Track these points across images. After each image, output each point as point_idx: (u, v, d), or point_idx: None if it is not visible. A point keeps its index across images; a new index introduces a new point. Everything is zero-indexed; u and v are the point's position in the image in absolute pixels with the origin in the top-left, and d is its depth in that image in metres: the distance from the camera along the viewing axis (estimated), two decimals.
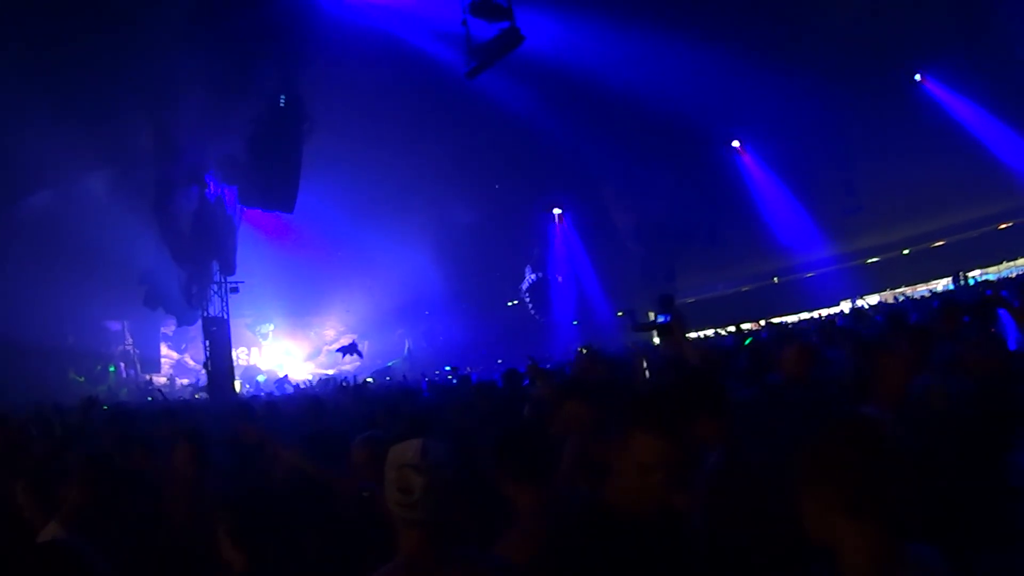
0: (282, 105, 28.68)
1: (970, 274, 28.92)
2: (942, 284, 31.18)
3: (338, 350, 38.16)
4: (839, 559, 2.93)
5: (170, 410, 14.33)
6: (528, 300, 43.46)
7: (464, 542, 4.04)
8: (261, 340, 46.99)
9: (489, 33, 22.39)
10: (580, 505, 3.87)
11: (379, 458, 3.98)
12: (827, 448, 2.99)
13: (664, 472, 3.60)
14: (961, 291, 23.70)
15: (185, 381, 41.09)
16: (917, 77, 33.25)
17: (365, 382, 23.30)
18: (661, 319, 13.60)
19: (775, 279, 39.08)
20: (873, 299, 31.88)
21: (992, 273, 28.64)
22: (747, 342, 10.95)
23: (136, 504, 6.53)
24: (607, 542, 3.55)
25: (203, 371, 32.44)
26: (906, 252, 36.77)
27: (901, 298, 30.71)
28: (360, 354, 39.84)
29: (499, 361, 28.65)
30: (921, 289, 32.32)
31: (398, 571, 3.71)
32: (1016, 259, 30.74)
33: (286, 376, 19.86)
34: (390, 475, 3.74)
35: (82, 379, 35.21)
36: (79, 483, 5.73)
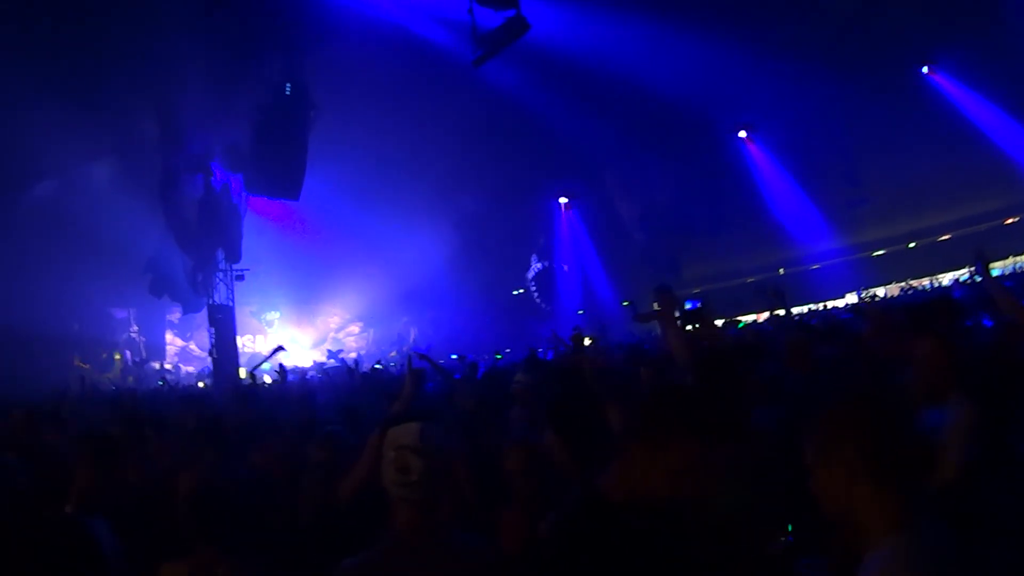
0: (288, 93, 28.66)
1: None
2: (947, 278, 31.12)
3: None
4: (856, 528, 2.96)
5: (190, 396, 14.43)
6: (534, 289, 43.50)
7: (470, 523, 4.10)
8: (267, 328, 46.98)
9: (495, 21, 22.30)
10: (581, 498, 3.75)
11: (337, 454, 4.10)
12: (846, 414, 3.05)
13: (695, 479, 3.51)
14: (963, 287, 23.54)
15: (191, 368, 41.13)
16: (925, 69, 33.17)
17: (374, 368, 23.31)
18: (689, 305, 13.54)
19: (781, 270, 39.01)
20: (880, 291, 31.77)
21: (998, 268, 28.49)
22: (740, 326, 10.94)
23: (145, 482, 6.55)
24: (608, 538, 3.45)
25: (208, 359, 32.46)
26: (912, 245, 36.71)
27: (910, 290, 30.70)
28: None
29: (507, 350, 28.62)
30: (926, 282, 32.25)
31: (392, 545, 3.85)
32: (1022, 254, 30.62)
33: (281, 364, 19.83)
34: (388, 455, 3.90)
35: (87, 367, 35.16)
36: (83, 464, 5.74)
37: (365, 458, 5.68)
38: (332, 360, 36.24)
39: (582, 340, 11.08)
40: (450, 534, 3.98)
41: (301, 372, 23.12)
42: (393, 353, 39.95)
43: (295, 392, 14.11)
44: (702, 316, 9.14)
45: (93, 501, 5.55)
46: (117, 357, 39.81)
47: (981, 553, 3.68)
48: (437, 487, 3.86)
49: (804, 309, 29.71)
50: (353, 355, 37.02)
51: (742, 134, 37.91)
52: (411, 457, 3.82)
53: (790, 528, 3.40)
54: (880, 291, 31.57)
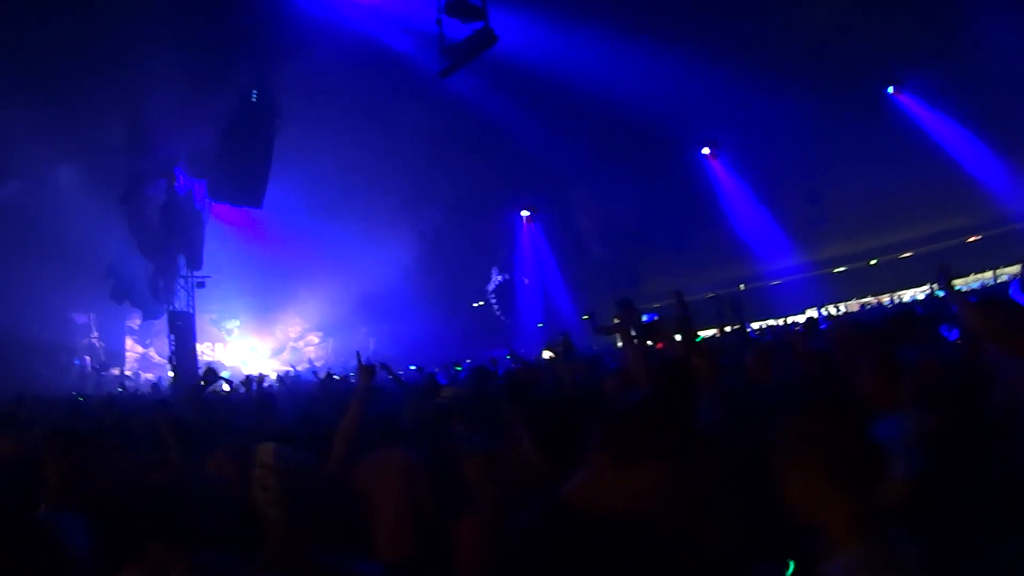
0: (254, 100, 28.65)
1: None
2: (908, 295, 31.37)
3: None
4: (824, 533, 3.02)
5: (163, 400, 14.43)
6: (494, 301, 43.52)
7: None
8: (226, 336, 46.85)
9: (463, 33, 22.35)
10: (544, 506, 3.77)
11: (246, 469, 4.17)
12: (812, 420, 3.10)
13: (660, 499, 3.47)
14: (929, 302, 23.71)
15: (150, 375, 40.94)
16: (891, 89, 33.42)
17: (330, 376, 23.27)
18: (647, 318, 13.57)
19: (741, 286, 39.16)
20: (841, 307, 32.01)
21: (960, 285, 28.70)
22: (698, 340, 10.99)
23: (111, 484, 6.55)
24: (571, 545, 3.46)
25: (168, 366, 32.34)
26: (873, 262, 36.94)
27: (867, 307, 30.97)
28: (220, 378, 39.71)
29: (467, 361, 28.61)
30: (886, 299, 32.48)
31: (259, 565, 3.94)
32: (984, 272, 30.89)
33: (248, 375, 19.69)
34: (254, 472, 4.03)
35: (46, 371, 34.97)
36: (53, 461, 5.74)
37: None
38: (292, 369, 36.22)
39: (568, 348, 11.12)
40: (320, 555, 4.05)
41: (259, 380, 23.20)
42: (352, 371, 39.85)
43: (253, 400, 14.12)
44: (658, 330, 9.18)
45: (66, 498, 5.55)
46: (76, 363, 39.62)
47: (943, 561, 3.73)
48: (298, 506, 3.95)
49: (764, 324, 29.96)
50: (320, 363, 37.04)
51: (705, 151, 38.07)
52: (269, 476, 3.94)
53: (791, 565, 3.42)
54: (842, 307, 31.78)
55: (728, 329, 13.25)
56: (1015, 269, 24.33)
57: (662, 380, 5.79)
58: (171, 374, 31.62)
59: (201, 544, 4.38)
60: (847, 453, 3.00)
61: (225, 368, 40.47)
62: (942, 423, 5.05)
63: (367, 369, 7.19)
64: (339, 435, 6.32)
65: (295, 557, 3.88)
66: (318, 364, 36.05)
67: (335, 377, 24.32)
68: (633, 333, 8.32)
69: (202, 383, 11.76)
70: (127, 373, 40.49)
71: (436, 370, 23.98)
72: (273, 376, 28.23)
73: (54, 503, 5.51)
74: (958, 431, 5.06)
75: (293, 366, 36.54)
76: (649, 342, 8.78)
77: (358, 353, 7.79)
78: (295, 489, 3.91)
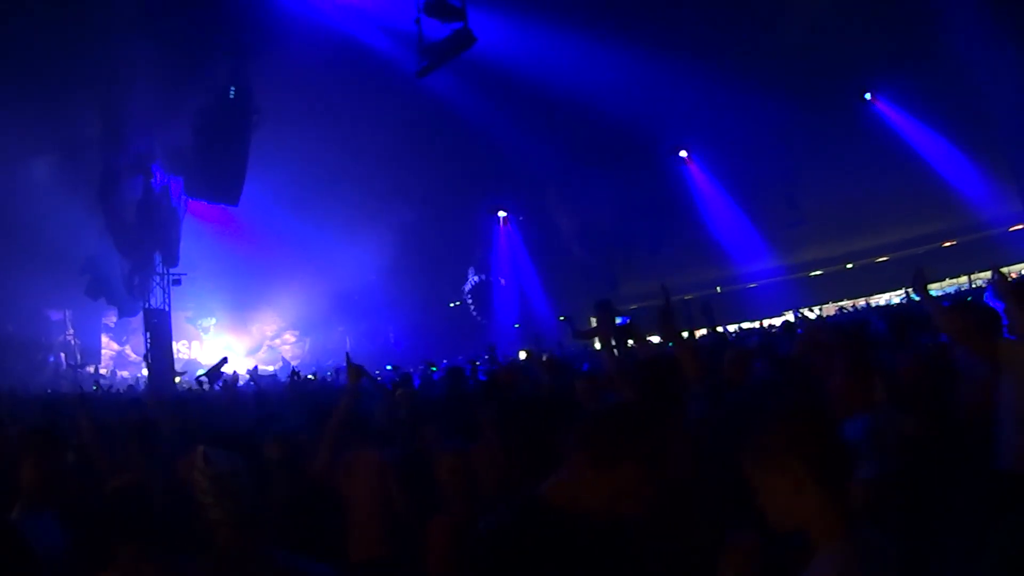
0: (231, 97, 28.57)
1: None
2: (884, 298, 31.50)
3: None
4: (806, 535, 3.04)
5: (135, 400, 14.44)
6: (470, 301, 43.52)
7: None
8: (203, 334, 46.72)
9: (441, 33, 22.35)
10: (521, 503, 3.76)
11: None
12: (790, 424, 3.11)
13: (638, 500, 3.53)
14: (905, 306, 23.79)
15: (125, 373, 40.81)
16: (867, 96, 33.54)
17: (306, 377, 23.26)
18: (620, 321, 13.61)
19: (718, 288, 39.24)
20: (815, 311, 32.05)
21: (935, 289, 28.78)
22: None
23: (85, 483, 6.54)
24: (548, 544, 3.45)
25: (143, 363, 32.24)
26: (850, 266, 37.04)
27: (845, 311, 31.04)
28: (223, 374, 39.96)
29: (444, 362, 28.59)
30: (862, 303, 32.58)
31: (207, 566, 4.00)
32: (959, 276, 31.05)
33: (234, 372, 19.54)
34: (192, 476, 4.05)
35: (21, 368, 34.78)
36: (28, 460, 5.73)
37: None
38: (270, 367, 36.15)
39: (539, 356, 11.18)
40: (273, 555, 4.09)
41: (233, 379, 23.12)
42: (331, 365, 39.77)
43: (225, 399, 14.09)
44: (632, 332, 9.21)
45: (41, 497, 5.56)
46: (51, 360, 39.45)
47: (921, 559, 3.76)
48: (235, 508, 3.96)
49: (739, 326, 30.02)
50: (296, 362, 36.99)
51: (682, 154, 38.17)
52: (202, 479, 3.98)
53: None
54: (817, 310, 31.83)
55: (700, 333, 13.31)
56: (988, 274, 24.46)
57: (647, 378, 5.77)
58: (145, 372, 31.54)
59: (171, 546, 4.39)
60: (827, 453, 3.04)
61: (201, 367, 40.44)
62: (913, 423, 5.10)
63: (355, 369, 7.23)
64: (326, 434, 6.35)
65: (244, 557, 3.91)
66: (294, 363, 35.99)
67: (310, 377, 24.34)
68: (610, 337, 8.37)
69: (209, 375, 11.77)
70: (102, 371, 40.31)
71: (412, 370, 24.00)
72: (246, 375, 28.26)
73: (28, 503, 5.50)
74: (928, 430, 5.10)
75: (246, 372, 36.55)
76: (629, 342, 8.81)
77: (347, 354, 7.83)
78: (227, 491, 3.94)
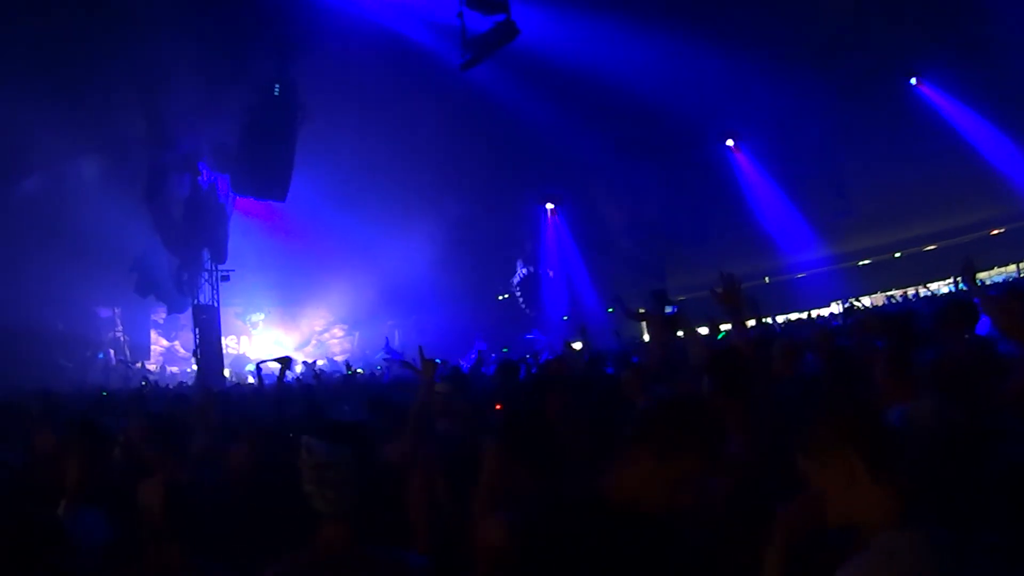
0: (276, 94, 28.65)
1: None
2: (934, 287, 31.24)
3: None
4: (860, 533, 3.05)
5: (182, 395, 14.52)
6: (519, 294, 43.42)
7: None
8: (251, 329, 46.98)
9: (485, 26, 22.35)
10: (577, 496, 3.74)
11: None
12: (847, 415, 3.12)
13: (696, 490, 3.60)
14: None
15: (175, 369, 41.08)
16: (913, 81, 33.27)
17: (355, 371, 23.36)
18: (669, 310, 13.56)
19: (766, 279, 39.04)
20: (865, 300, 31.81)
21: (984, 278, 28.52)
22: (720, 336, 10.94)
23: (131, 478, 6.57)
24: (610, 536, 3.46)
25: (193, 359, 32.43)
26: (898, 255, 36.74)
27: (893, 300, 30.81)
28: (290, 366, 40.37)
29: (492, 356, 28.59)
30: (911, 292, 32.32)
31: (308, 556, 3.94)
32: (1007, 265, 30.78)
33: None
34: (307, 469, 3.97)
35: (72, 365, 35.07)
36: (73, 455, 5.75)
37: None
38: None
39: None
40: (373, 548, 4.04)
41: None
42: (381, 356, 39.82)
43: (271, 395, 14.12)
44: (678, 322, 9.14)
45: (85, 492, 5.58)
46: (100, 356, 39.72)
47: (976, 551, 3.70)
48: (337, 498, 3.91)
49: (792, 316, 29.86)
50: (344, 356, 37.10)
51: (729, 143, 37.99)
52: (304, 468, 3.94)
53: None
54: (866, 300, 31.58)
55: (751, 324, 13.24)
56: None
57: (718, 370, 5.70)
58: (194, 367, 31.73)
59: (209, 545, 4.40)
60: (879, 445, 3.06)
61: (249, 362, 40.60)
62: (954, 413, 5.02)
63: (429, 363, 7.19)
64: (409, 428, 6.35)
65: (345, 549, 3.89)
66: (342, 357, 36.08)
67: (359, 371, 24.45)
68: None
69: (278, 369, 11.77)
70: (152, 367, 40.56)
71: (460, 362, 24.03)
72: (299, 368, 28.34)
73: (73, 499, 5.52)
74: (968, 421, 5.02)
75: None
76: (678, 332, 8.74)
77: (420, 348, 7.76)
78: (328, 481, 3.89)
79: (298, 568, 3.90)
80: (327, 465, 3.88)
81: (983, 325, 8.10)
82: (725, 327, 9.96)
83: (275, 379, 11.85)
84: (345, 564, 3.86)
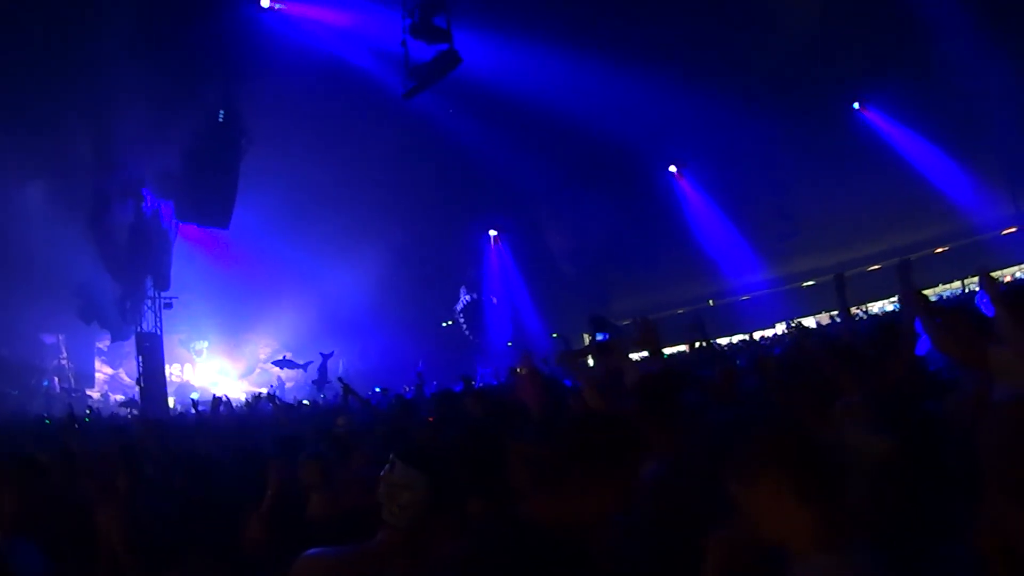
0: (221, 120, 28.61)
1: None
2: (877, 307, 31.54)
3: (275, 363, 38.18)
4: (789, 551, 3.09)
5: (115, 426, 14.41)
6: (463, 321, 43.40)
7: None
8: (195, 357, 46.62)
9: (428, 54, 22.44)
10: (505, 523, 3.77)
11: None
12: (776, 438, 3.15)
13: (627, 501, 3.60)
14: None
15: (119, 397, 40.72)
16: (856, 105, 33.67)
17: (301, 403, 23.27)
18: (600, 337, 13.63)
19: (711, 302, 39.27)
20: (809, 321, 32.03)
21: (929, 295, 28.67)
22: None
23: (69, 509, 6.55)
24: (538, 560, 3.39)
25: (137, 387, 32.20)
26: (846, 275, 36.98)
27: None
28: (303, 367, 40.41)
29: (434, 383, 28.53)
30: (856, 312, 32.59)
31: (372, 547, 4.04)
32: (951, 282, 31.14)
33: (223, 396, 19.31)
34: (389, 486, 4.04)
35: (16, 392, 34.74)
36: (9, 487, 5.72)
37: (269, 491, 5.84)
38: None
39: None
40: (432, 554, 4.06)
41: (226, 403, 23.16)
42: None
43: (224, 423, 14.08)
44: (612, 348, 9.18)
45: (21, 524, 5.55)
46: (45, 384, 39.35)
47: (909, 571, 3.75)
48: (415, 519, 3.97)
49: (734, 339, 30.02)
50: (290, 384, 37.03)
51: (672, 169, 38.24)
52: (385, 488, 4.01)
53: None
54: (810, 321, 31.81)
55: (696, 346, 13.33)
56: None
57: (644, 393, 5.73)
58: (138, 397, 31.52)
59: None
60: (808, 468, 3.05)
61: (195, 389, 40.35)
62: (883, 442, 5.07)
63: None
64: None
65: (403, 550, 3.97)
66: (288, 385, 35.96)
67: (305, 402, 24.37)
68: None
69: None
70: (94, 395, 40.20)
71: (406, 389, 24.01)
72: (242, 398, 28.18)
73: (8, 530, 5.51)
74: (903, 448, 5.08)
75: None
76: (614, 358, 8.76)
77: (418, 373, 7.78)
78: (395, 499, 3.99)
79: (364, 552, 4.00)
80: (404, 485, 3.97)
81: (922, 345, 8.18)
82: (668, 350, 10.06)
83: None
84: (399, 555, 3.94)
